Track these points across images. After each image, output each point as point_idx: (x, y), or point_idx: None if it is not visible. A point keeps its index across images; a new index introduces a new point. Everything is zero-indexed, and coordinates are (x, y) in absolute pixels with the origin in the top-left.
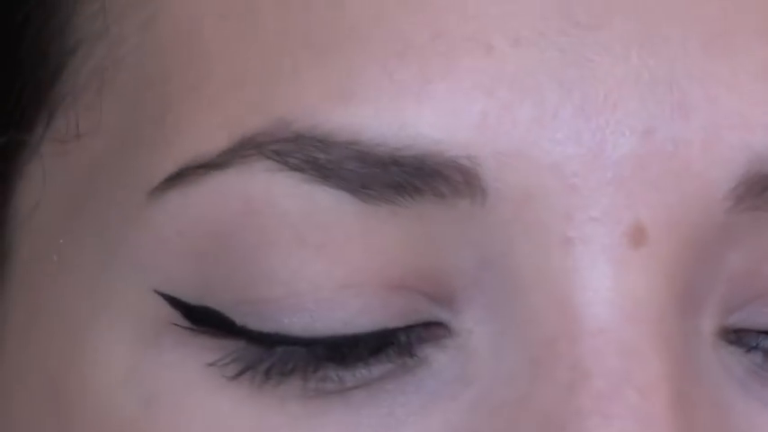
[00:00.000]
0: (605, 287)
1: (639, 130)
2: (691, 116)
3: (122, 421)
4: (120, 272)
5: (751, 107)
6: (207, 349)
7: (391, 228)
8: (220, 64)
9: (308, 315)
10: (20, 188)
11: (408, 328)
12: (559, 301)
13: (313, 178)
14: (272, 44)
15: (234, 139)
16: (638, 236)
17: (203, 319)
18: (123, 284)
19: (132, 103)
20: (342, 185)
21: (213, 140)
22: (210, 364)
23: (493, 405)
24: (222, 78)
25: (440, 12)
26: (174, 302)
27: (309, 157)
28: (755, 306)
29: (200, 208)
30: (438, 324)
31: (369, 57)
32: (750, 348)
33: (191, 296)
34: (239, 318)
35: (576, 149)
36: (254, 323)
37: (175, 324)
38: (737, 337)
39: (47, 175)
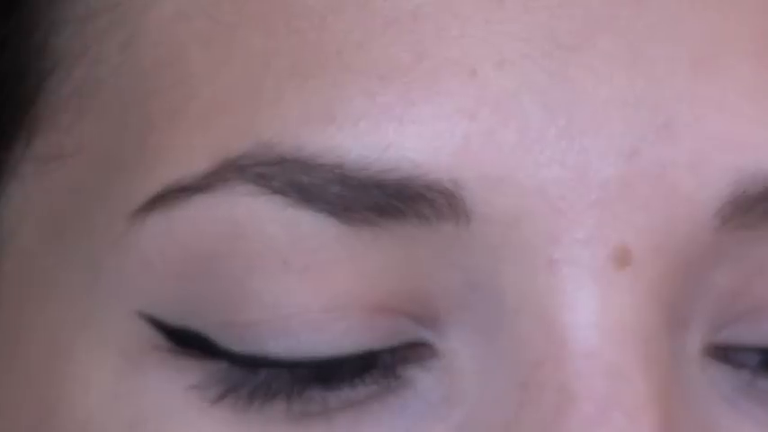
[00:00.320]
0: (591, 309)
1: (625, 152)
2: (677, 137)
3: None
4: (103, 294)
5: (738, 127)
6: (189, 372)
7: (375, 251)
8: (202, 86)
9: (292, 338)
10: (0, 208)
11: (393, 350)
12: (545, 323)
13: (296, 201)
14: (254, 67)
15: (216, 162)
16: (623, 257)
17: (185, 341)
18: (106, 307)
19: (113, 124)
20: (325, 208)
21: (196, 163)
22: (193, 387)
23: (479, 428)
24: (204, 101)
25: (423, 35)
26: (157, 324)
27: (292, 181)
28: (742, 323)
29: (182, 231)
30: (423, 345)
31: (352, 80)
32: (738, 365)
33: (173, 318)
34: (222, 340)
35: (560, 172)
36: (237, 345)
37: (158, 346)
38: (725, 354)
39: (28, 196)
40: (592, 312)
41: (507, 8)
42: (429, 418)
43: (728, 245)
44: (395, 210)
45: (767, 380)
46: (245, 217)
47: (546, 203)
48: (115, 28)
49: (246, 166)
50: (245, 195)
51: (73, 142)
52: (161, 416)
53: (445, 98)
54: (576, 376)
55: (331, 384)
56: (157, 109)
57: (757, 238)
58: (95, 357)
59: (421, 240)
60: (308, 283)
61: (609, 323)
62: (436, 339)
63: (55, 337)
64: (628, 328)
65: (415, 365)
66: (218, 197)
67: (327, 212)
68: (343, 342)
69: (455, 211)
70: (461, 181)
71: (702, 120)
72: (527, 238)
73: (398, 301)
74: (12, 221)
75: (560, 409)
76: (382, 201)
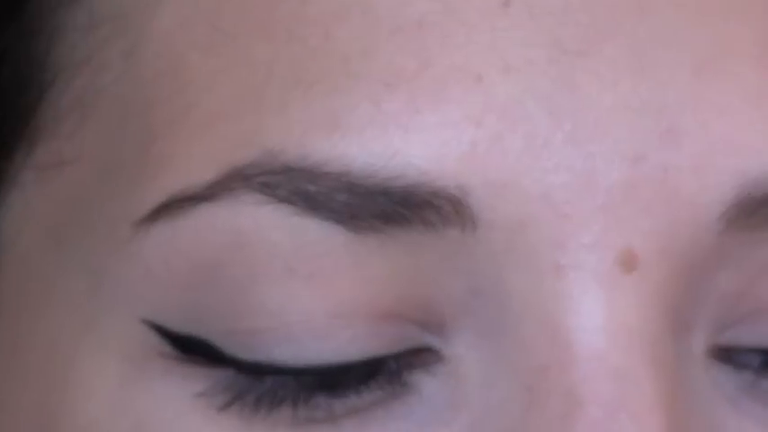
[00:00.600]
0: (597, 313)
1: (630, 157)
2: (681, 142)
3: None
4: (107, 302)
5: (742, 132)
6: (195, 379)
7: (380, 258)
8: (206, 95)
9: (297, 345)
10: (1, 217)
11: (398, 356)
12: (551, 328)
13: (302, 210)
14: (258, 76)
15: (221, 171)
16: (629, 261)
17: (191, 349)
18: (109, 313)
19: (115, 132)
20: (331, 216)
21: (200, 172)
22: (199, 395)
23: (487, 430)
24: (208, 109)
25: (428, 42)
26: (162, 332)
27: (298, 189)
28: (744, 325)
29: (187, 240)
30: (428, 350)
31: (357, 88)
32: (740, 366)
33: (178, 326)
34: (228, 348)
35: (566, 177)
36: (243, 353)
37: (163, 353)
38: (728, 355)
39: (28, 205)
40: (598, 316)
41: (512, 15)
42: (434, 423)
43: (732, 247)
44: (401, 217)
45: None
46: (251, 226)
47: (552, 209)
48: (117, 37)
49: (252, 176)
50: (251, 204)
51: (74, 150)
52: (166, 423)
53: (451, 105)
54: (582, 380)
55: (336, 391)
56: (159, 118)
57: (760, 241)
58: (98, 363)
59: (427, 247)
60: (313, 290)
61: (615, 326)
62: (442, 345)
63: (56, 344)
64: (634, 331)
65: (421, 371)
66: (222, 206)
67: (334, 220)
68: (348, 349)
69: (461, 218)
70: (468, 187)
71: (706, 124)
72: (533, 244)
73: (404, 308)
74: (12, 230)
75: (567, 413)
76: (389, 208)
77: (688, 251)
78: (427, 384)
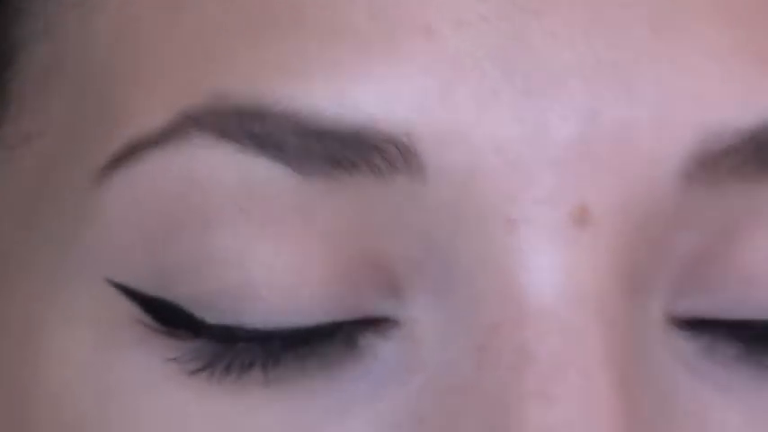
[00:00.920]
0: (549, 269)
1: (585, 112)
2: (638, 97)
3: (79, 416)
4: (75, 267)
5: (701, 84)
6: (166, 345)
7: (330, 205)
8: (159, 46)
9: (263, 305)
10: None
11: (355, 321)
12: (503, 284)
13: (251, 151)
14: (209, 25)
15: (174, 116)
16: (583, 217)
17: (161, 313)
18: (79, 279)
19: (76, 99)
20: (279, 157)
21: (154, 120)
22: (170, 360)
23: (440, 391)
24: (161, 60)
25: None
26: (130, 294)
27: (247, 130)
28: (705, 292)
29: (144, 187)
30: (384, 319)
31: (307, 34)
32: (699, 331)
33: (146, 287)
34: (197, 312)
35: (518, 130)
36: (210, 317)
37: (133, 317)
38: (687, 322)
39: (1, 183)
40: (549, 272)
41: None
42: (390, 384)
43: (692, 206)
44: (348, 162)
45: (728, 344)
46: (203, 168)
47: (503, 161)
48: (74, 7)
49: (202, 118)
50: (203, 147)
51: (39, 122)
52: (137, 388)
53: (401, 55)
54: (532, 337)
55: (299, 352)
56: (115, 76)
57: (721, 198)
58: (69, 331)
59: (376, 196)
60: (268, 240)
61: (566, 283)
62: (397, 310)
63: (29, 315)
64: (586, 288)
65: (376, 335)
66: (176, 151)
67: (282, 162)
68: (309, 309)
69: (409, 165)
70: (416, 135)
71: (663, 79)
72: (484, 196)
73: (358, 266)
74: None
75: (517, 370)
76: (336, 151)
77: (645, 207)
78: (382, 347)
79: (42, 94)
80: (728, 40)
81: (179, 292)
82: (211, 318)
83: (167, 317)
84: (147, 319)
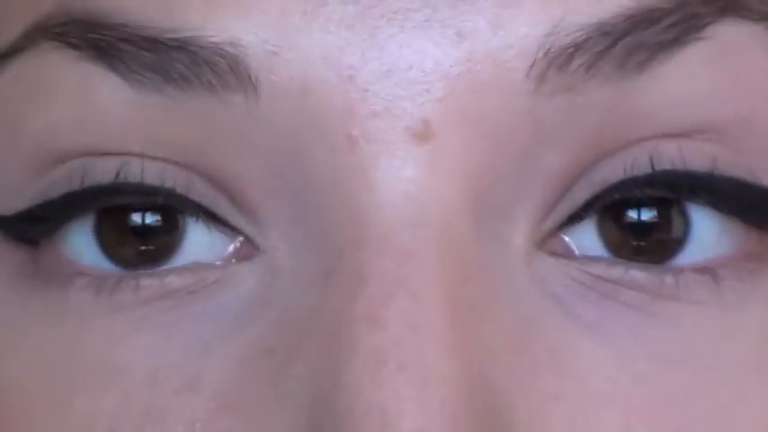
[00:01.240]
0: (388, 188)
1: (417, 19)
2: (475, 1)
3: None
4: None
5: None
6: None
7: (169, 122)
8: None
9: None
10: None
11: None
12: (349, 206)
13: (90, 57)
14: None
15: (25, 26)
16: (423, 131)
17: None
18: None
19: None
20: (115, 66)
21: (12, 32)
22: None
23: (290, 322)
24: None
25: None
26: None
27: (87, 38)
28: (576, 214)
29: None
30: (248, 241)
31: None
32: (569, 257)
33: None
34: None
35: (349, 40)
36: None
37: None
38: (557, 243)
39: None
40: (390, 192)
41: None
42: (248, 318)
43: (552, 115)
44: (180, 76)
45: (598, 263)
46: (49, 74)
47: (335, 72)
48: None
49: (49, 26)
50: (48, 53)
51: None
52: None
53: None
54: (369, 260)
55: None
56: None
57: (583, 105)
58: None
59: (214, 115)
60: (101, 144)
61: (405, 203)
62: (258, 236)
63: None
64: (425, 207)
65: (244, 263)
66: (28, 58)
67: (118, 74)
68: None
69: (241, 81)
70: (243, 46)
71: None
72: (321, 112)
73: (213, 189)
74: None
75: (352, 293)
76: (167, 64)
77: (493, 117)
78: (248, 279)
79: None
80: None
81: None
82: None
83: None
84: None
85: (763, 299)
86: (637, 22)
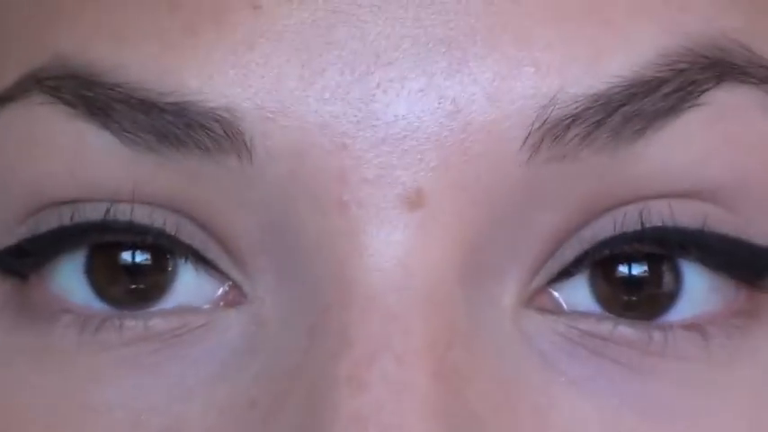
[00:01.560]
0: (378, 252)
1: (414, 89)
2: (472, 70)
3: None
4: None
5: (535, 53)
6: None
7: (161, 179)
8: (13, 6)
9: None
10: None
11: None
12: (336, 266)
13: (85, 116)
14: None
15: (21, 75)
16: (415, 199)
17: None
18: None
19: None
20: (108, 126)
21: (5, 76)
22: None
23: (272, 376)
24: (16, 17)
25: None
26: None
27: (81, 95)
28: (565, 272)
29: None
30: (236, 287)
31: (142, 4)
32: (557, 314)
33: None
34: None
35: (344, 108)
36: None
37: None
38: (547, 302)
39: None
40: (378, 255)
41: None
42: (232, 366)
43: (544, 182)
44: (174, 137)
45: (587, 318)
46: (41, 127)
47: (329, 140)
48: None
49: (43, 79)
50: (40, 106)
51: None
52: None
53: (227, 28)
54: (355, 321)
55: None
56: None
57: (576, 172)
58: None
59: (207, 175)
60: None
61: (393, 267)
62: (246, 284)
63: None
64: (413, 272)
65: (231, 309)
66: (19, 108)
67: (112, 132)
68: None
69: (235, 144)
70: (239, 111)
71: (499, 49)
72: (314, 177)
73: (203, 235)
74: None
75: (336, 353)
76: (162, 126)
77: (486, 187)
78: (234, 326)
79: None
80: (570, 5)
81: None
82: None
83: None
84: None
85: (752, 356)
86: (634, 93)
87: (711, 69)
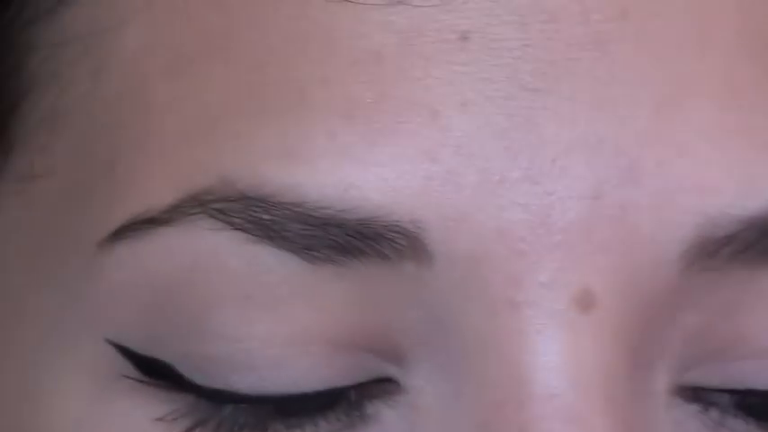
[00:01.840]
0: (554, 352)
1: (587, 195)
2: (640, 180)
3: None
4: (77, 320)
5: (701, 171)
6: (157, 403)
7: (337, 288)
8: (166, 118)
9: (255, 373)
10: None
11: (359, 386)
12: (509, 365)
13: (257, 238)
14: (219, 102)
15: (180, 195)
16: (586, 301)
17: (153, 371)
18: (80, 333)
19: (83, 149)
20: (285, 246)
21: (160, 196)
22: (159, 419)
23: None
24: (168, 133)
25: (386, 75)
26: (125, 352)
27: (253, 217)
28: (709, 364)
29: (146, 262)
30: (388, 380)
31: (314, 118)
32: (706, 405)
33: (141, 348)
34: (188, 373)
35: (522, 215)
36: (201, 379)
37: (127, 375)
38: (694, 394)
39: (8, 213)
40: (554, 355)
41: (470, 50)
42: None
43: (693, 287)
44: (356, 249)
45: (736, 419)
46: (207, 251)
47: (506, 246)
48: (85, 55)
49: (208, 201)
50: (207, 230)
51: (45, 164)
52: None
53: (406, 139)
54: (535, 419)
55: (294, 421)
56: (124, 139)
57: (722, 280)
58: (67, 382)
59: (383, 279)
60: (269, 317)
61: (570, 367)
62: (401, 375)
63: (29, 361)
64: (590, 371)
65: (381, 402)
66: (180, 231)
67: (288, 250)
68: (306, 378)
69: (417, 252)
70: (422, 222)
71: (665, 162)
72: (488, 280)
73: (361, 338)
74: None
75: None
76: (343, 240)
77: (647, 291)
78: (387, 416)
79: (49, 137)
80: (731, 125)
81: (171, 353)
82: (200, 380)
83: (157, 373)
84: (139, 374)
85: None
86: None
87: None
